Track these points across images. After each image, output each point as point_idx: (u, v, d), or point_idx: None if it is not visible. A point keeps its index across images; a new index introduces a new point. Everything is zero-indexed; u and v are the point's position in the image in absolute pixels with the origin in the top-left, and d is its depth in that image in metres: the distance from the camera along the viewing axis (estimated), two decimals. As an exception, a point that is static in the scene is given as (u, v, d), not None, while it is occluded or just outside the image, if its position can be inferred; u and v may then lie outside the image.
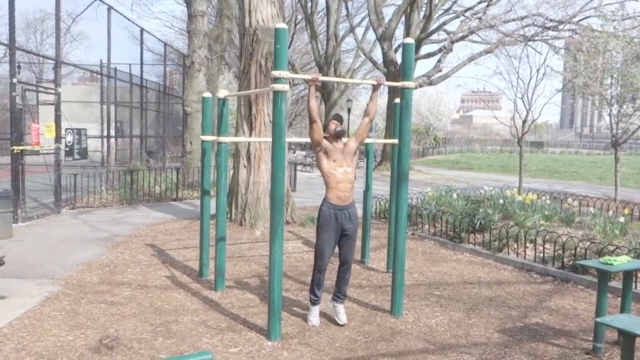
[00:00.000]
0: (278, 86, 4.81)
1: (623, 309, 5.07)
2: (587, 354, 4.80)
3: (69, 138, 12.19)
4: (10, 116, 10.23)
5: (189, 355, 3.95)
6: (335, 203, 5.17)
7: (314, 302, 5.40)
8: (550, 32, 19.25)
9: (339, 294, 5.46)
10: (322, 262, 5.28)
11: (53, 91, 11.56)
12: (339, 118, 5.41)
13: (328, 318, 5.54)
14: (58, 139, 11.49)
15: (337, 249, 5.41)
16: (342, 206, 5.18)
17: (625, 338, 3.88)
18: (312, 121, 5.12)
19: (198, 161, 14.44)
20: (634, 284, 6.16)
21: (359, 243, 8.29)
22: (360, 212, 6.81)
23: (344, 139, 5.36)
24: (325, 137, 5.26)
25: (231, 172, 11.32)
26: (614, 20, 13.83)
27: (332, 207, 5.18)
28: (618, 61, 13.99)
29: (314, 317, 5.38)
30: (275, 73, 4.81)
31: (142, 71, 20.27)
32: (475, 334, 5.23)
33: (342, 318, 5.36)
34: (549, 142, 63.38)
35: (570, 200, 10.89)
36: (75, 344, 4.75)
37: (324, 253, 5.24)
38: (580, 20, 18.76)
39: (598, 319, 4.25)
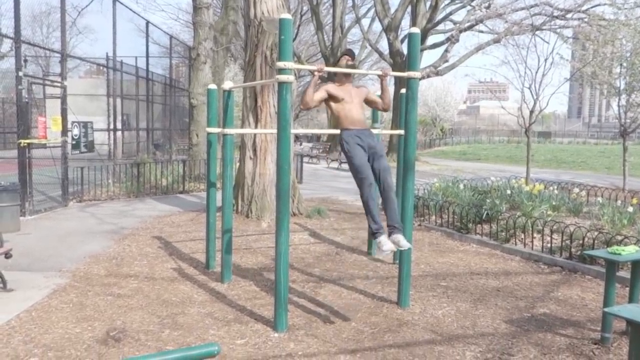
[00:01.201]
0: (283, 77, 4.78)
1: (631, 299, 5.03)
2: (595, 344, 4.78)
3: (76, 131, 12.22)
4: (17, 110, 10.26)
5: (196, 347, 3.98)
6: (353, 127, 5.08)
7: (377, 232, 4.91)
8: (558, 21, 19.07)
9: (393, 223, 5.00)
10: (364, 176, 4.92)
11: (59, 84, 11.58)
12: (350, 53, 5.26)
13: (334, 310, 5.53)
14: (65, 132, 11.51)
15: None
16: (360, 129, 5.08)
17: (634, 328, 3.85)
18: (302, 103, 5.13)
19: (204, 153, 14.44)
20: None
21: (365, 234, 8.31)
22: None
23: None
24: (333, 82, 5.23)
25: (237, 164, 11.32)
26: (625, 9, 13.69)
27: (351, 131, 5.06)
28: (627, 50, 13.86)
29: (385, 244, 4.85)
30: (280, 64, 4.78)
31: (147, 64, 20.26)
32: (482, 325, 5.21)
33: (405, 244, 4.94)
34: (557, 132, 63.00)
35: (577, 190, 10.83)
36: (83, 336, 4.77)
37: (364, 169, 4.94)
38: (589, 8, 18.58)
39: (606, 309, 4.22)
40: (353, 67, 5.26)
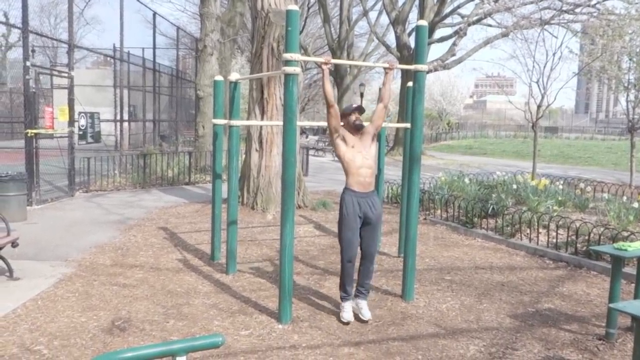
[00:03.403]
0: (289, 69, 4.77)
1: (637, 295, 5.02)
2: (600, 339, 4.77)
3: (82, 122, 12.25)
4: (24, 100, 10.28)
5: (200, 337, 3.99)
6: (357, 190, 4.95)
7: (344, 299, 5.10)
8: (567, 16, 18.93)
9: (361, 289, 5.14)
10: (351, 252, 4.96)
11: (66, 74, 11.60)
12: (360, 109, 5.15)
13: (339, 302, 5.53)
14: (71, 122, 11.54)
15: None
16: (364, 193, 4.96)
17: (639, 324, 3.84)
18: (329, 106, 4.91)
19: (210, 145, 14.46)
20: (648, 270, 6.10)
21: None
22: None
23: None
24: (342, 125, 5.09)
25: (243, 156, 11.33)
26: (636, 3, 13.57)
27: (354, 194, 4.94)
28: (637, 45, 13.75)
29: (347, 312, 5.05)
30: (287, 55, 4.77)
31: (154, 55, 20.28)
32: (486, 319, 5.21)
33: (366, 314, 5.06)
34: (564, 128, 62.73)
35: (582, 185, 10.78)
36: (88, 325, 4.80)
37: (351, 241, 4.94)
38: (599, 2, 18.43)
39: (611, 305, 4.21)
40: (361, 126, 5.06)
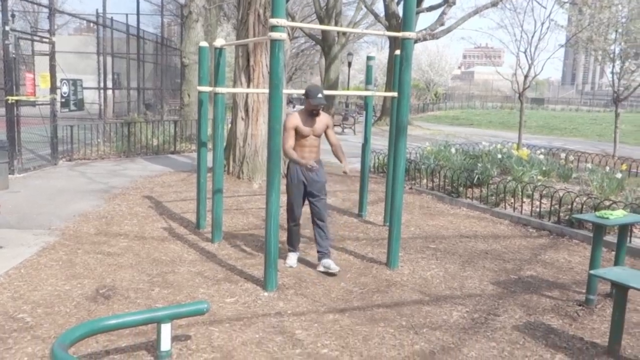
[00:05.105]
0: (275, 34, 4.70)
1: (617, 262, 5.10)
2: (580, 305, 4.85)
3: (65, 89, 12.04)
4: (3, 66, 10.07)
5: (186, 304, 4.00)
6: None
7: (290, 251, 5.77)
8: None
9: (322, 250, 5.55)
10: (293, 215, 5.59)
11: (48, 40, 11.35)
12: (320, 106, 5.43)
13: (323, 271, 5.57)
14: (53, 89, 11.35)
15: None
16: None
17: (618, 290, 3.91)
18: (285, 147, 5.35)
19: (196, 114, 14.30)
20: (628, 238, 6.19)
21: (356, 197, 8.34)
22: (358, 166, 6.73)
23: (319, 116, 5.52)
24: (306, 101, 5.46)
25: (229, 125, 11.24)
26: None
27: (298, 165, 5.39)
28: (623, 16, 13.74)
29: (290, 260, 5.69)
30: (273, 21, 4.69)
31: (138, 21, 19.91)
32: (469, 286, 5.27)
33: (334, 268, 5.43)
34: (550, 99, 62.97)
35: (563, 155, 10.86)
36: (72, 293, 4.78)
37: (293, 207, 5.56)
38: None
39: (592, 271, 4.28)
40: (318, 113, 5.49)
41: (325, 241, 5.57)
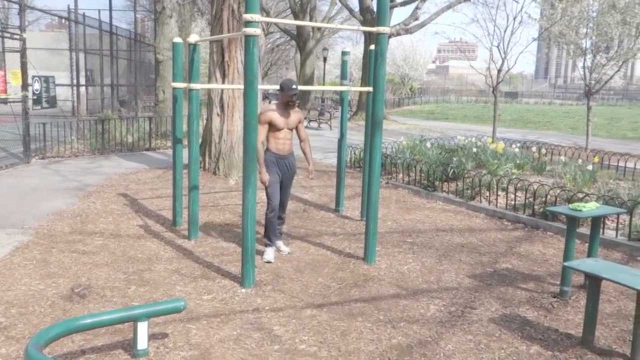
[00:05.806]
0: (250, 30, 4.68)
1: (590, 254, 5.19)
2: (554, 297, 4.93)
3: (37, 86, 11.84)
4: (-28, 62, 9.85)
5: (162, 302, 3.97)
6: (275, 152, 5.72)
7: (268, 245, 5.80)
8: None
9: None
10: (274, 200, 5.70)
11: (18, 37, 11.13)
12: (295, 97, 5.63)
13: (301, 266, 5.58)
14: (25, 86, 11.13)
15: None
16: (281, 155, 5.74)
17: (592, 281, 3.99)
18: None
19: (171, 110, 14.19)
20: (601, 230, 6.31)
21: (333, 192, 8.35)
22: (334, 161, 6.71)
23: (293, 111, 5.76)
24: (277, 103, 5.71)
25: (204, 121, 11.16)
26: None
27: (273, 155, 5.71)
28: (594, 10, 13.95)
29: (268, 254, 5.72)
30: (247, 16, 4.66)
31: (111, 17, 19.65)
32: (446, 280, 5.32)
33: (285, 249, 5.97)
34: (524, 93, 63.65)
35: (534, 148, 11.01)
36: (47, 292, 4.71)
37: (272, 195, 5.70)
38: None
39: (566, 263, 4.35)
40: (294, 104, 5.75)
41: (281, 226, 6.08)
